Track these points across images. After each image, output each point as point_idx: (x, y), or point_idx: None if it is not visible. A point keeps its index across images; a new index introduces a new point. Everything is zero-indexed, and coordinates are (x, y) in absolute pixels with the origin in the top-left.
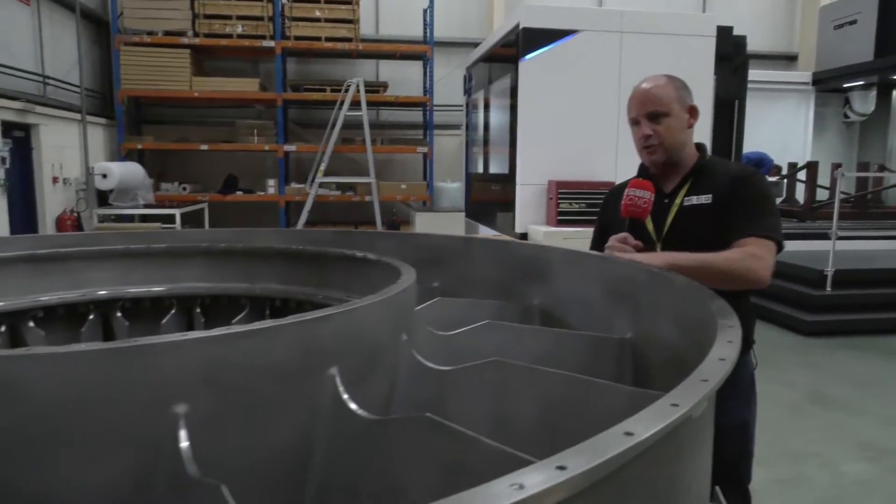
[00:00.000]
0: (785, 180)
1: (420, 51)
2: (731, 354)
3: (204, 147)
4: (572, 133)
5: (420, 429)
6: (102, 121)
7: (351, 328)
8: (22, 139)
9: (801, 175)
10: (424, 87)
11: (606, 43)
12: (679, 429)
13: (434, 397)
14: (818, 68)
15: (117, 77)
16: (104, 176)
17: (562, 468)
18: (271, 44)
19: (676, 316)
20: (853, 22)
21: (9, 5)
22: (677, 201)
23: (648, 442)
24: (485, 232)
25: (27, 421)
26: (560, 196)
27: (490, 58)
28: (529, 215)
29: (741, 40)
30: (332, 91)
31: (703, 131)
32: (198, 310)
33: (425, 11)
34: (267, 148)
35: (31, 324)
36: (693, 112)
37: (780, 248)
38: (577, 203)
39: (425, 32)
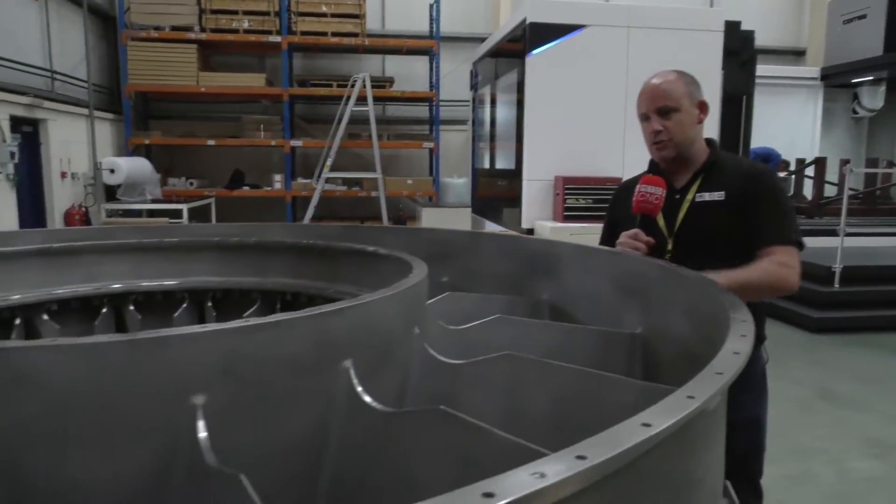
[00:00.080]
0: (793, 176)
1: (426, 46)
2: (745, 348)
3: (211, 142)
4: (579, 128)
5: (434, 421)
6: (110, 116)
7: (365, 321)
8: (30, 134)
9: (809, 171)
10: (430, 82)
11: (614, 38)
12: (694, 421)
13: (446, 391)
14: (827, 63)
15: (124, 72)
16: (112, 171)
17: (581, 458)
18: (277, 39)
19: (687, 311)
20: (862, 16)
21: (17, 1)
22: (689, 197)
23: (665, 433)
24: (491, 228)
25: (47, 412)
26: (567, 192)
27: (496, 53)
28: (536, 211)
29: (749, 35)
30: (339, 86)
31: (710, 127)
32: (209, 303)
33: (431, 6)
34: (273, 143)
35: (46, 317)
36: (703, 107)
37: (802, 248)
38: (583, 199)
39: (431, 27)
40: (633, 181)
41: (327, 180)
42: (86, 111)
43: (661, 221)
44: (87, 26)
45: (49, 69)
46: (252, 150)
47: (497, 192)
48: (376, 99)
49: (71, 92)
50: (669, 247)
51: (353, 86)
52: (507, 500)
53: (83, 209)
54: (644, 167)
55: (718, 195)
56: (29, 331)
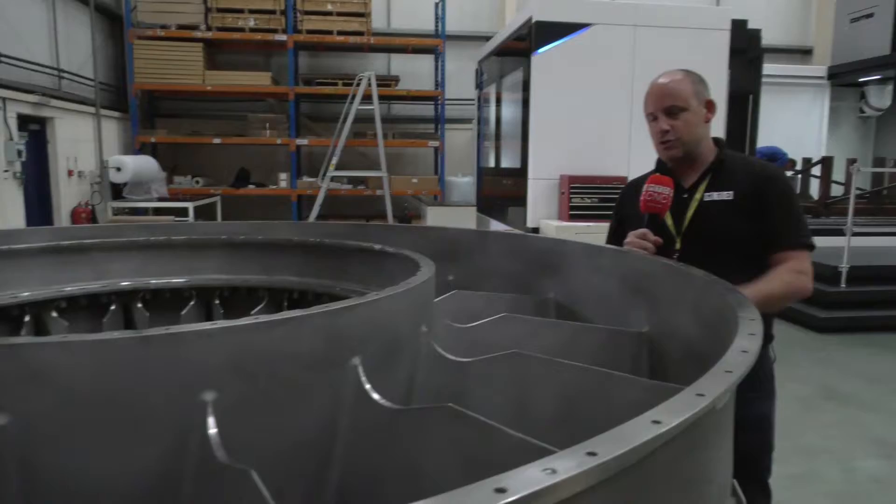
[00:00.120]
0: (799, 175)
1: (432, 44)
2: (754, 347)
3: (216, 141)
4: (585, 127)
5: (442, 418)
6: (116, 114)
7: (374, 319)
8: (37, 132)
9: (816, 170)
10: (436, 80)
11: (620, 36)
12: (704, 419)
13: (454, 388)
14: (833, 62)
15: (131, 71)
16: (118, 169)
17: (592, 454)
18: (283, 37)
19: (694, 309)
20: (869, 15)
21: (24, 0)
22: (697, 196)
23: (675, 430)
24: (496, 226)
25: (59, 407)
26: (572, 191)
27: (502, 51)
28: (541, 210)
29: (756, 34)
30: (344, 85)
31: (716, 126)
32: (216, 301)
33: (437, 5)
34: (279, 142)
35: (55, 314)
36: (710, 106)
37: (813, 249)
38: (589, 198)
39: (437, 26)
40: (641, 180)
41: (332, 179)
42: (92, 109)
43: (668, 221)
44: (93, 25)
45: (56, 68)
46: (257, 148)
47: (502, 191)
48: (382, 97)
49: (78, 90)
50: (677, 246)
51: (358, 84)
52: (519, 495)
53: (90, 207)
54: (650, 166)
55: (727, 195)
56: (38, 328)
